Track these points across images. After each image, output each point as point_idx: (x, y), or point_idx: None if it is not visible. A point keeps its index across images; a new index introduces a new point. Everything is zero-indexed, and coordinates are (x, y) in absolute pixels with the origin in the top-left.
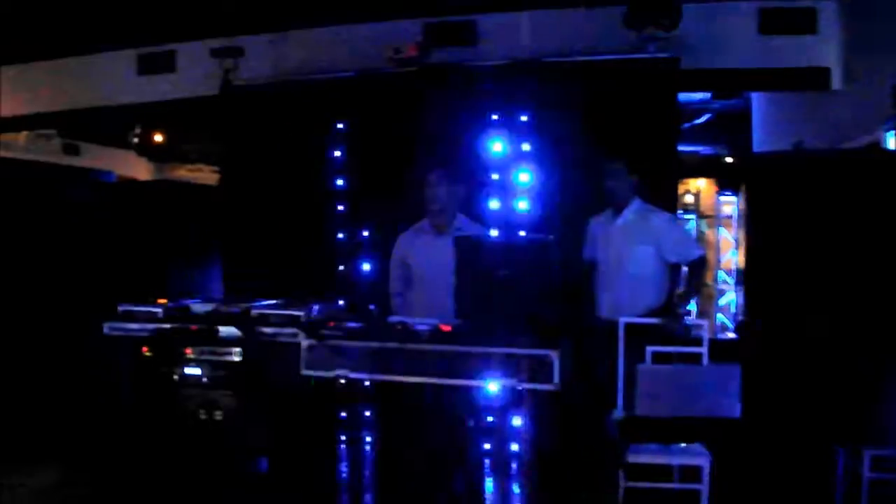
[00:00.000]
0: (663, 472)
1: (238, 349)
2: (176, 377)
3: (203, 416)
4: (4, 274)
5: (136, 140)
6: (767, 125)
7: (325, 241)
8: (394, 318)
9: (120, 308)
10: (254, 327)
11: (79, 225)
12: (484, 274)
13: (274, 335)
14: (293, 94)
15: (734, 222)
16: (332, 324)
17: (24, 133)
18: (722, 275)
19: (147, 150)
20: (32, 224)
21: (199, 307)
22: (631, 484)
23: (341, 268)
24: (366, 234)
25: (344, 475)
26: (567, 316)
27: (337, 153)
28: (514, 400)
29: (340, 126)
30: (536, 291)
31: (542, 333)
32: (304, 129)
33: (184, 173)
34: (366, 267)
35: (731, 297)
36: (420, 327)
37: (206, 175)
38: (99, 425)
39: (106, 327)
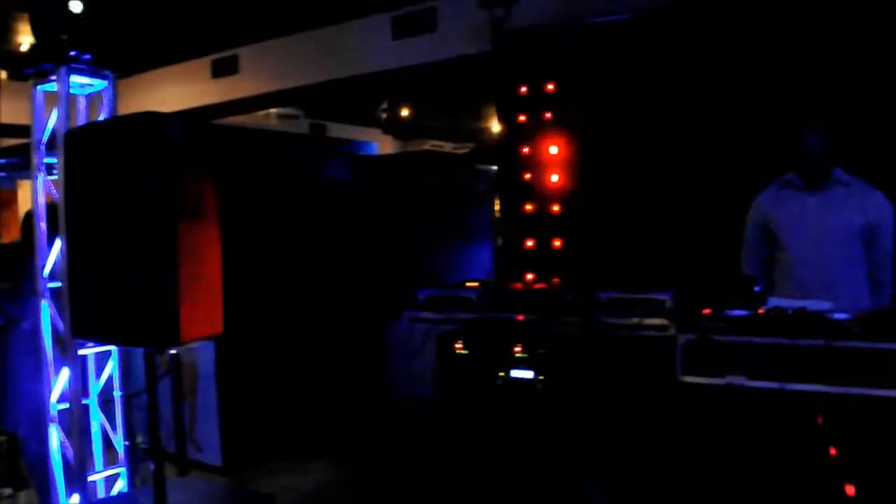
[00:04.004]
0: None
1: (588, 347)
2: (500, 381)
3: (535, 432)
4: (268, 255)
5: (384, 115)
6: None
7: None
8: (783, 303)
9: (422, 293)
10: (605, 318)
11: (341, 200)
12: None
13: (635, 328)
14: (576, 41)
15: None
16: (706, 311)
17: (273, 114)
18: None
19: (394, 125)
20: (296, 197)
21: (521, 292)
22: None
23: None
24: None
25: None
26: None
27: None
28: None
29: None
30: None
31: None
32: (587, 79)
33: (427, 149)
34: None
35: None
36: (839, 316)
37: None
38: (385, 425)
39: (405, 316)
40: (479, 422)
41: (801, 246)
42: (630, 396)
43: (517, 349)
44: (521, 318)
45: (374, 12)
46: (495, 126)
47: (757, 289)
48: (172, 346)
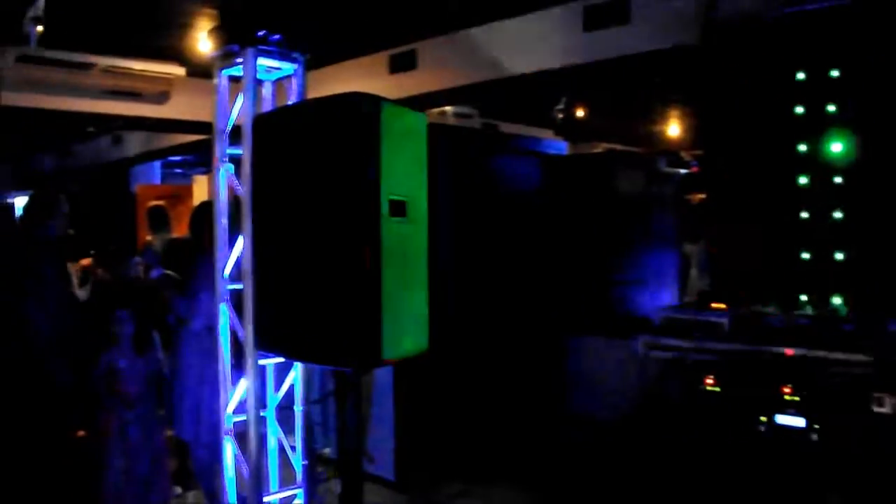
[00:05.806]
0: None
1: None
2: (761, 426)
3: (807, 492)
4: (451, 259)
5: (559, 115)
6: None
7: None
8: None
9: (660, 315)
10: None
11: (527, 200)
12: None
13: None
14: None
15: None
16: None
17: (449, 112)
18: None
19: (569, 126)
20: (481, 196)
21: (780, 318)
22: None
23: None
24: None
25: None
26: None
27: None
28: None
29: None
30: None
31: None
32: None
33: (614, 149)
34: None
35: None
36: None
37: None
38: (576, 451)
39: (639, 342)
40: (731, 471)
41: None
42: None
43: (786, 390)
44: (790, 352)
45: (565, 2)
46: (673, 129)
47: None
48: (373, 367)
